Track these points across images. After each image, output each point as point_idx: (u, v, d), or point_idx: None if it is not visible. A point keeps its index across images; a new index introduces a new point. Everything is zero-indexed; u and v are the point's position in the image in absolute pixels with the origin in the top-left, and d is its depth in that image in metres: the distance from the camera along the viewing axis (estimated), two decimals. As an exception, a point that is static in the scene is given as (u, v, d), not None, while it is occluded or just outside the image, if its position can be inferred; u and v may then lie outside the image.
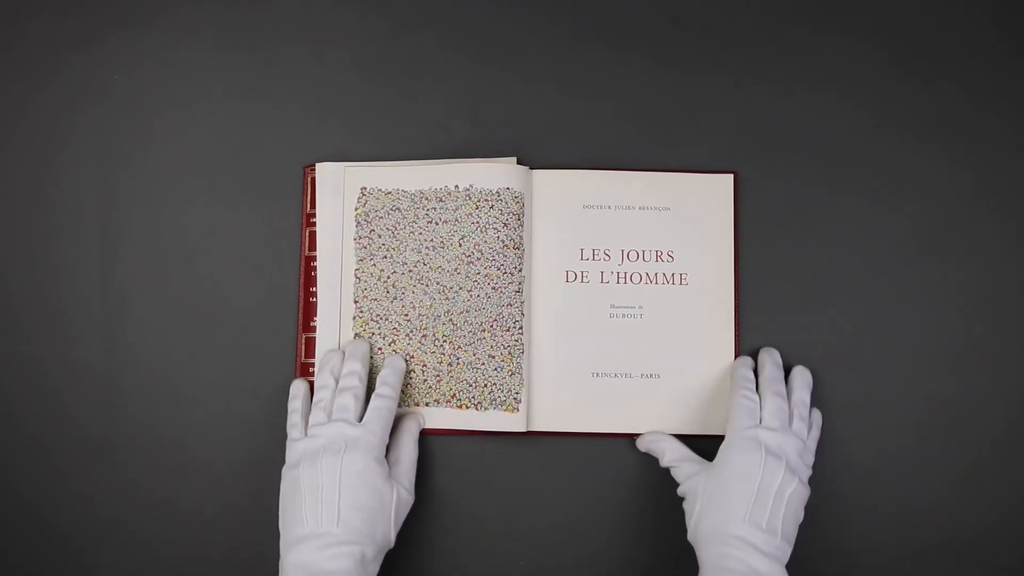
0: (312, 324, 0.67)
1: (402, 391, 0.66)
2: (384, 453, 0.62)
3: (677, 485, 0.63)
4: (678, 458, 0.64)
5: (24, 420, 0.68)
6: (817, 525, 0.66)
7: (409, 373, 0.67)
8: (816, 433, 0.64)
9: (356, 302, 0.67)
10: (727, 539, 0.58)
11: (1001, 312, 0.68)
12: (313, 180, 0.68)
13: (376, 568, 0.60)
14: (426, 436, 0.67)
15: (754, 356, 0.67)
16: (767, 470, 0.60)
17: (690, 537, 0.61)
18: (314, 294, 0.67)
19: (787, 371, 0.66)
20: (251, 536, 0.67)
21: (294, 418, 0.64)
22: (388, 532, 0.61)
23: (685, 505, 0.63)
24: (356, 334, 0.67)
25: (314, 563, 0.57)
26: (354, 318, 0.67)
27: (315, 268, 0.68)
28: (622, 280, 0.68)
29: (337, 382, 0.64)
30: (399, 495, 0.61)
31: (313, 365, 0.67)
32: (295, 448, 0.62)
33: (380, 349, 0.67)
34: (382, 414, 0.62)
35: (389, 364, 0.65)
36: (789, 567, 0.59)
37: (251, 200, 0.69)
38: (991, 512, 0.67)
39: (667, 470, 0.65)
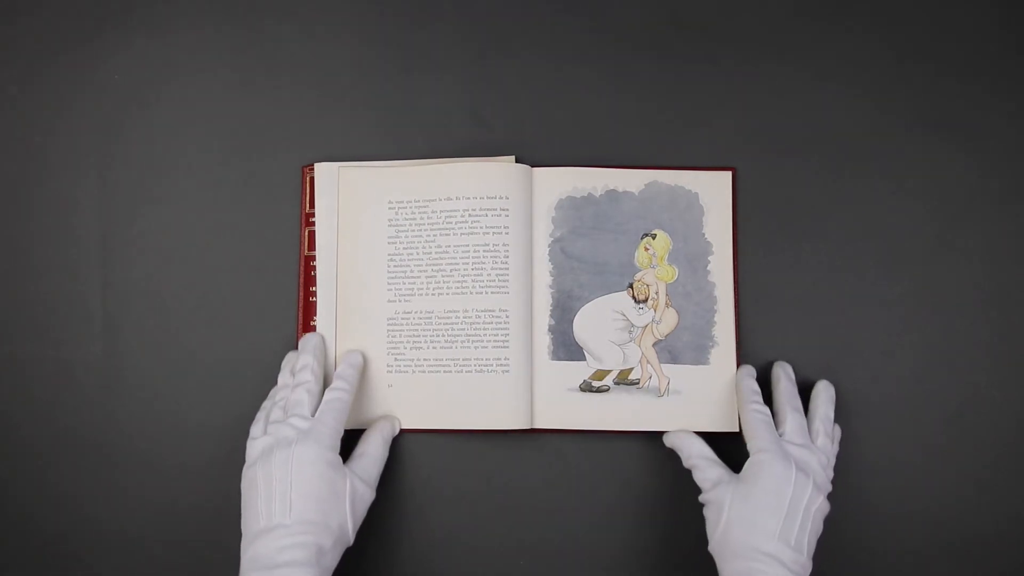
0: (312, 324, 0.67)
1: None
2: (337, 444, 0.61)
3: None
4: (702, 458, 0.63)
5: (23, 421, 0.68)
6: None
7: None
8: (836, 448, 0.64)
9: (356, 301, 0.67)
10: (756, 555, 0.57)
11: (1005, 312, 0.67)
12: (312, 180, 0.68)
13: (334, 562, 0.59)
14: (425, 435, 0.67)
15: (760, 367, 0.66)
16: (797, 485, 0.59)
17: (713, 548, 0.60)
18: (314, 294, 0.67)
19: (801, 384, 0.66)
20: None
21: (259, 415, 0.63)
22: (344, 524, 0.60)
23: (708, 514, 0.61)
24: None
25: (267, 556, 0.57)
26: (354, 317, 0.67)
27: (315, 268, 0.68)
28: (622, 278, 0.68)
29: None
30: (354, 486, 0.61)
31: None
32: (253, 447, 0.61)
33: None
34: (334, 406, 0.62)
35: (345, 359, 0.65)
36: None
37: (251, 200, 0.69)
38: (1002, 514, 0.67)
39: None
